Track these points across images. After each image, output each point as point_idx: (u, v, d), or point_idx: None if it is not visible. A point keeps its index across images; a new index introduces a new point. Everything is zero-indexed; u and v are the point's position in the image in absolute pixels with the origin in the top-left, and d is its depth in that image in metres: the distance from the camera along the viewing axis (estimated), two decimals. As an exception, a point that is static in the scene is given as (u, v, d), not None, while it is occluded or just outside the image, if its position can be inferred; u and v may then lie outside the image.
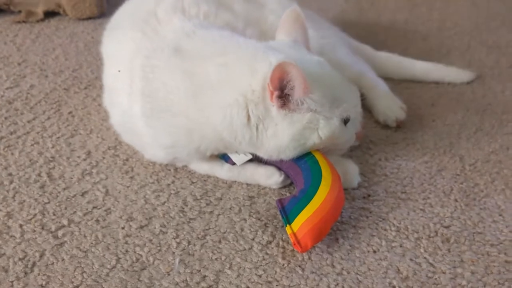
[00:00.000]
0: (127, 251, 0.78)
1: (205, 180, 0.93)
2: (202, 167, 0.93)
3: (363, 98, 1.15)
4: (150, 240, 0.80)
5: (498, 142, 1.05)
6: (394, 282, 0.74)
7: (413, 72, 1.29)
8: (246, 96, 0.80)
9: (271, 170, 0.89)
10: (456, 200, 0.90)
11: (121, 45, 0.95)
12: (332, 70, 0.87)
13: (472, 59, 1.41)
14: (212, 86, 0.82)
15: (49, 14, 1.61)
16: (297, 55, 0.85)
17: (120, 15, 1.03)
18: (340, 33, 1.25)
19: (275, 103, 0.79)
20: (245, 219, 0.84)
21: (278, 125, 0.80)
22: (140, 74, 0.87)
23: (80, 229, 0.82)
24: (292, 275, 0.75)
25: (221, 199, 0.89)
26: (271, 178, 0.89)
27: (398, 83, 1.27)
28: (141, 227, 0.82)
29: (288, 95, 0.78)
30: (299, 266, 0.76)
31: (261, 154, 0.85)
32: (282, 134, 0.81)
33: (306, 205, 0.77)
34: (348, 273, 0.75)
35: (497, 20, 1.67)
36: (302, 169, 0.83)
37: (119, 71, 0.92)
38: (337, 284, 0.73)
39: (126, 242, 0.80)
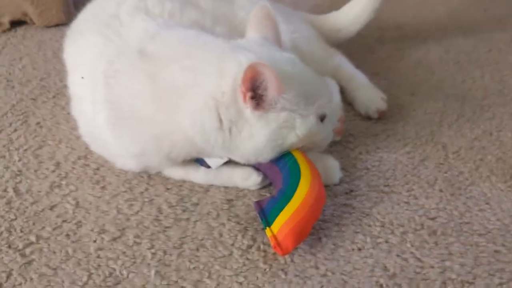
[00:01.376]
0: (99, 265, 0.74)
1: (180, 186, 0.89)
2: (177, 173, 0.89)
3: (342, 91, 1.13)
4: (124, 253, 0.76)
5: (481, 128, 1.03)
6: (381, 281, 0.71)
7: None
8: (216, 98, 0.76)
9: (248, 171, 0.85)
10: (441, 190, 0.87)
11: (83, 51, 0.91)
12: (305, 66, 0.84)
13: (450, 45, 1.39)
14: (179, 89, 0.78)
15: (16, 23, 1.55)
16: (268, 53, 0.81)
17: (81, 20, 0.98)
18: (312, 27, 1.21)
19: (249, 105, 0.75)
20: (223, 224, 0.81)
21: (253, 127, 0.77)
22: (103, 80, 0.83)
23: (49, 245, 0.77)
24: (274, 280, 0.71)
25: (197, 204, 0.85)
26: (249, 179, 0.85)
27: (376, 74, 1.24)
28: (114, 239, 0.78)
29: (262, 95, 0.75)
30: (282, 270, 0.73)
31: (237, 158, 0.81)
32: (258, 135, 0.77)
33: (285, 206, 0.74)
34: (333, 274, 0.72)
35: (473, 5, 1.65)
36: (280, 168, 0.79)
37: (82, 78, 0.88)
38: (322, 286, 0.70)
39: (98, 256, 0.75)
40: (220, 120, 0.76)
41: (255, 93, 0.75)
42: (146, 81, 0.80)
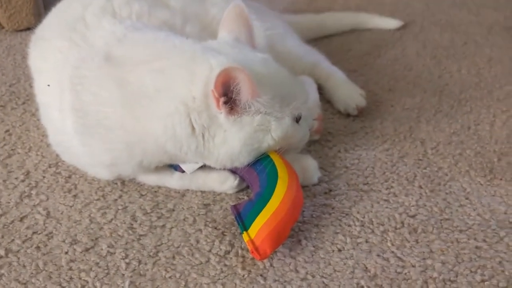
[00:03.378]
0: (71, 278, 0.71)
1: (155, 191, 0.86)
2: (151, 179, 0.86)
3: (320, 89, 1.12)
4: (97, 264, 0.73)
5: (459, 122, 1.02)
6: (362, 282, 0.69)
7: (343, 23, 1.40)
8: (187, 104, 0.73)
9: (224, 174, 0.83)
10: (420, 187, 0.86)
11: (47, 57, 0.87)
12: (279, 67, 0.82)
13: (427, 40, 1.38)
14: (149, 95, 0.75)
15: (-16, 28, 1.51)
16: (240, 54, 0.78)
17: (45, 24, 0.94)
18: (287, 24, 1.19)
19: (222, 110, 0.72)
20: (200, 230, 0.78)
21: (227, 132, 0.74)
22: (69, 86, 0.80)
23: (19, 258, 0.74)
24: (253, 286, 0.69)
25: (173, 210, 0.82)
26: (225, 183, 0.83)
27: (354, 71, 1.23)
28: (87, 249, 0.75)
29: (235, 99, 0.73)
30: (261, 275, 0.71)
31: (211, 163, 0.79)
32: (233, 140, 0.75)
33: (262, 209, 0.72)
34: (313, 277, 0.70)
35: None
36: (257, 171, 0.77)
37: (48, 85, 0.84)
38: (302, 290, 0.68)
39: (70, 268, 0.72)
40: (192, 126, 0.74)
41: (228, 97, 0.72)
42: (113, 87, 0.77)
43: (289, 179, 0.76)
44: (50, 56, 0.86)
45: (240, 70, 0.68)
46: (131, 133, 0.77)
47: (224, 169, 0.81)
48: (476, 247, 0.74)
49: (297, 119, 0.80)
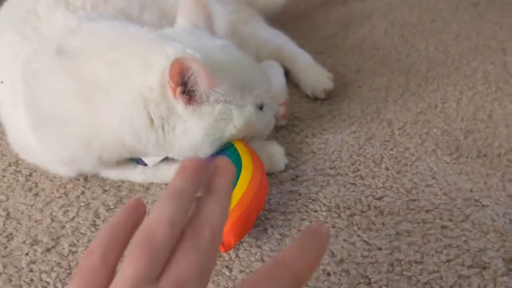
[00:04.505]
0: (32, 280, 0.69)
1: (119, 186, 0.84)
2: (113, 173, 0.84)
3: (287, 73, 1.10)
4: (58, 264, 0.71)
5: (426, 101, 1.02)
6: (328, 268, 0.68)
7: None
8: (144, 95, 0.71)
9: None
10: (387, 168, 0.85)
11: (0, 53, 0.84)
12: (239, 54, 0.79)
13: (395, 18, 1.37)
14: (104, 87, 0.73)
15: None
16: (198, 42, 0.76)
17: None
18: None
19: (180, 100, 0.70)
20: (165, 223, 0.77)
21: (187, 122, 0.72)
22: (21, 82, 0.77)
23: (-23, 262, 0.72)
24: (218, 279, 0.68)
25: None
26: None
27: (321, 53, 1.22)
28: (48, 249, 0.74)
29: (193, 89, 0.70)
30: (226, 266, 0.70)
31: (174, 155, 0.77)
32: (193, 130, 0.73)
33: None
34: (279, 266, 0.69)
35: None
36: None
37: (1, 82, 0.81)
38: (267, 280, 0.67)
39: (31, 270, 0.71)
40: (151, 118, 0.72)
41: (186, 87, 0.70)
42: (67, 80, 0.74)
43: (254, 168, 0.74)
44: (1, 51, 0.83)
45: (192, 60, 0.66)
46: (88, 127, 0.75)
47: None
48: (442, 227, 0.74)
49: (261, 107, 0.78)
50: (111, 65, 0.73)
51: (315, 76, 1.07)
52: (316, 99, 1.05)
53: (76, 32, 0.79)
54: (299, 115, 1.00)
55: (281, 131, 0.95)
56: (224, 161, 0.47)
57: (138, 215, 0.42)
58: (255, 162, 0.76)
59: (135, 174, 0.83)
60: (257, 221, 0.74)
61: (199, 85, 0.70)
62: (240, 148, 0.77)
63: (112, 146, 0.76)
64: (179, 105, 0.71)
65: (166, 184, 0.84)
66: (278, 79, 1.04)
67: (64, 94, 0.75)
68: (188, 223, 0.41)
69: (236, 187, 0.72)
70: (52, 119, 0.76)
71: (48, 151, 0.79)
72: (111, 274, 0.38)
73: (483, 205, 0.77)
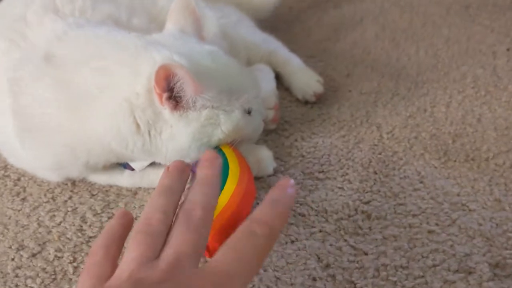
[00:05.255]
0: (17, 285, 0.69)
1: (107, 191, 0.84)
2: (101, 178, 0.84)
3: (278, 77, 1.10)
4: (44, 269, 0.71)
5: (415, 105, 1.02)
6: (314, 273, 0.68)
7: None
8: (131, 101, 0.70)
9: None
10: (375, 172, 0.85)
11: None
12: (227, 59, 0.79)
13: (386, 22, 1.37)
14: (92, 95, 0.72)
15: None
16: (185, 47, 0.76)
17: None
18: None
19: (166, 106, 0.70)
20: (152, 228, 0.77)
21: (174, 127, 0.72)
22: (7, 89, 0.77)
23: (-37, 268, 0.72)
24: (204, 283, 0.68)
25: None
26: None
27: (312, 57, 1.22)
28: (34, 255, 0.73)
29: (179, 95, 0.70)
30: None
31: (161, 160, 0.77)
32: (180, 136, 0.72)
33: None
34: (265, 271, 0.69)
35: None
36: None
37: None
38: (253, 285, 0.67)
39: (17, 275, 0.70)
40: (137, 123, 0.71)
41: (173, 93, 0.70)
42: (55, 88, 0.74)
43: (240, 174, 0.74)
44: None
45: (178, 66, 0.66)
46: (75, 134, 0.74)
47: None
48: (429, 231, 0.74)
49: (249, 111, 0.78)
50: (99, 73, 0.73)
51: (305, 79, 1.08)
52: (306, 102, 1.05)
53: (63, 39, 0.78)
54: (289, 119, 1.00)
55: (271, 134, 0.95)
56: (209, 154, 0.55)
57: (127, 220, 0.52)
58: (242, 167, 0.76)
59: (123, 179, 0.83)
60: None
61: (186, 91, 0.69)
62: (228, 153, 0.77)
63: (99, 152, 0.76)
64: (166, 110, 0.71)
65: (154, 189, 0.83)
66: (269, 83, 1.04)
67: (52, 102, 0.74)
68: (179, 208, 0.50)
69: (222, 192, 0.71)
70: (39, 127, 0.76)
71: (34, 157, 0.79)
72: (114, 266, 0.45)
73: (470, 210, 0.77)
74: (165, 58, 0.70)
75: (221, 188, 0.72)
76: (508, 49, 1.17)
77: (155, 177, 0.82)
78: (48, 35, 0.80)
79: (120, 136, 0.72)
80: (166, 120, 0.72)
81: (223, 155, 0.76)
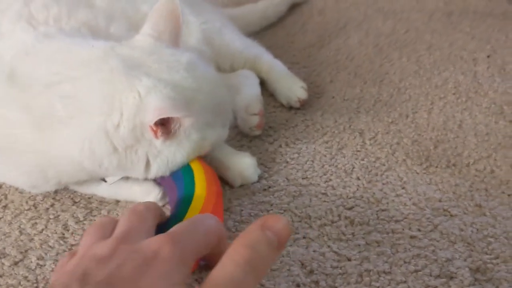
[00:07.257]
0: (-2, 295, 0.68)
1: (89, 198, 0.83)
2: (81, 188, 0.83)
3: (263, 83, 1.11)
4: (26, 277, 0.70)
5: (397, 111, 1.03)
6: (298, 279, 0.69)
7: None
8: (107, 129, 0.67)
9: (148, 187, 0.79)
10: (358, 178, 0.86)
11: None
12: (205, 70, 0.76)
13: (370, 28, 1.39)
14: (61, 121, 0.68)
15: None
16: (162, 65, 0.71)
17: None
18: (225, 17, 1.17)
19: (160, 138, 0.69)
20: (135, 235, 0.76)
21: (164, 151, 0.71)
22: None
23: None
24: (188, 291, 0.68)
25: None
26: (149, 195, 0.79)
27: (296, 63, 1.23)
28: (15, 263, 0.72)
29: (170, 129, 0.70)
30: (196, 280, 0.69)
31: (135, 176, 0.75)
32: (172, 157, 0.72)
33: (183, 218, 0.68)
34: (249, 277, 0.69)
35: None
36: (176, 184, 0.73)
37: None
38: (237, 292, 0.67)
39: (-3, 285, 0.69)
40: (114, 146, 0.69)
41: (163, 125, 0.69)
42: (20, 111, 0.70)
43: (206, 196, 0.69)
44: None
45: (174, 110, 0.66)
46: (44, 155, 0.71)
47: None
48: (411, 237, 0.75)
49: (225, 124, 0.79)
50: (68, 99, 0.68)
51: (289, 85, 1.08)
52: (291, 108, 1.06)
53: (30, 53, 0.74)
54: (273, 124, 1.00)
55: (255, 140, 0.96)
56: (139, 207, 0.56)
57: (112, 220, 0.55)
58: (210, 186, 0.71)
59: (101, 190, 0.82)
60: (228, 233, 0.74)
61: (175, 122, 0.69)
62: (196, 169, 0.73)
63: (70, 172, 0.74)
64: (158, 141, 0.70)
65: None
66: (253, 89, 1.04)
67: (17, 123, 0.71)
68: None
69: (186, 214, 0.69)
70: (7, 147, 0.73)
71: (5, 177, 0.78)
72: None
73: (451, 215, 0.78)
74: (150, 90, 0.66)
75: (188, 205, 0.68)
76: (488, 56, 1.19)
77: (128, 192, 0.80)
78: (16, 47, 0.75)
79: (95, 157, 0.70)
80: (156, 146, 0.70)
81: (190, 170, 0.73)
